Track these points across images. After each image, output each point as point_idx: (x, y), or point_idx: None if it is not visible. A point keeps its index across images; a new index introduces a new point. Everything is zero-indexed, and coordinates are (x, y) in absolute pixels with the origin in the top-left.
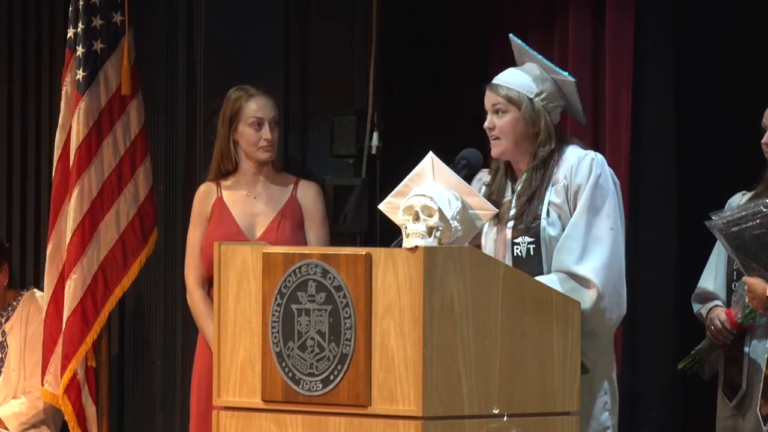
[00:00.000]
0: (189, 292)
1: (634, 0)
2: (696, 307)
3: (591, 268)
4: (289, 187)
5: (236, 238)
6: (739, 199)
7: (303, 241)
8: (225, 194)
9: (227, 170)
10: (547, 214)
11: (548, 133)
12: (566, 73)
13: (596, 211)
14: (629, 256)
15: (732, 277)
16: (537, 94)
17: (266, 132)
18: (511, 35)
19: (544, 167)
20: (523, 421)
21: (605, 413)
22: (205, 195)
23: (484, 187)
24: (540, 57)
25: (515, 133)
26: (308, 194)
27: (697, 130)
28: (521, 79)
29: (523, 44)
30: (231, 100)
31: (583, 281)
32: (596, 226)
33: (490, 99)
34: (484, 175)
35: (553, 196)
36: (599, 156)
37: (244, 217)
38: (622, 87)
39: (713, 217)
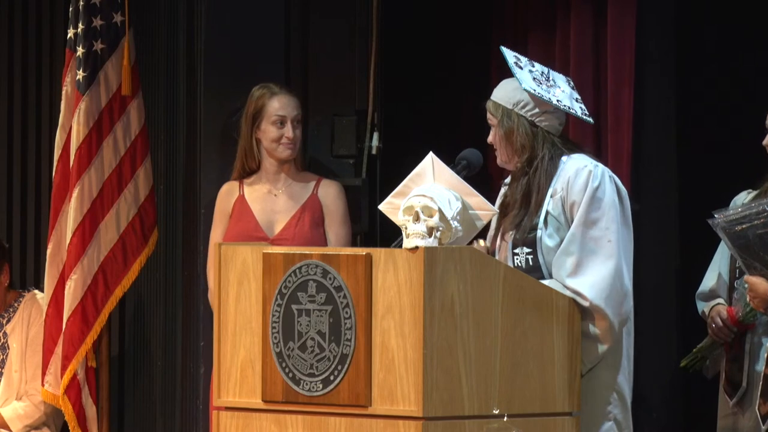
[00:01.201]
0: (210, 291)
1: (636, 1)
2: (700, 305)
3: (585, 282)
4: (310, 185)
5: (254, 234)
6: (744, 198)
7: (321, 239)
8: (246, 192)
9: (251, 169)
10: (545, 224)
11: (522, 144)
12: (532, 89)
13: (592, 225)
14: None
15: (735, 275)
16: (515, 104)
17: (288, 130)
18: (501, 48)
19: (525, 176)
20: (523, 422)
21: (607, 423)
22: (226, 194)
23: (505, 188)
24: (516, 72)
25: (502, 145)
26: (329, 192)
27: (698, 130)
28: (503, 90)
29: (507, 58)
30: (254, 98)
31: (575, 294)
32: (592, 239)
33: (487, 115)
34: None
35: (551, 207)
36: (599, 168)
37: (264, 214)
38: (623, 88)
39: (716, 216)
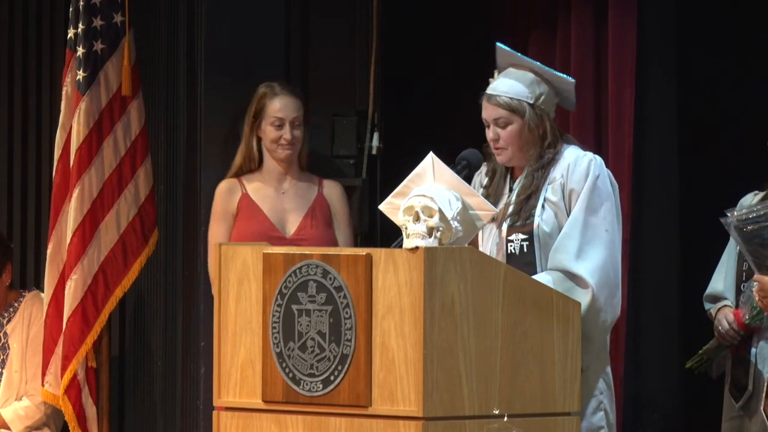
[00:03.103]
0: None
1: (636, 1)
2: (707, 306)
3: (586, 268)
4: (314, 185)
5: (270, 234)
6: (750, 199)
7: (334, 239)
8: (250, 190)
9: (250, 168)
10: (542, 210)
11: (554, 135)
12: (564, 75)
13: (593, 212)
14: (633, 256)
15: (741, 278)
16: (536, 98)
17: (286, 132)
18: (498, 44)
19: (546, 167)
20: (523, 422)
21: (599, 413)
22: (228, 191)
23: (481, 190)
24: (535, 62)
25: (521, 141)
26: (335, 193)
27: (700, 129)
28: (518, 86)
29: (515, 52)
30: (257, 97)
31: (578, 281)
32: (593, 227)
33: (490, 112)
34: (481, 178)
35: (549, 193)
36: (598, 158)
37: (275, 213)
38: (625, 87)
39: (728, 214)
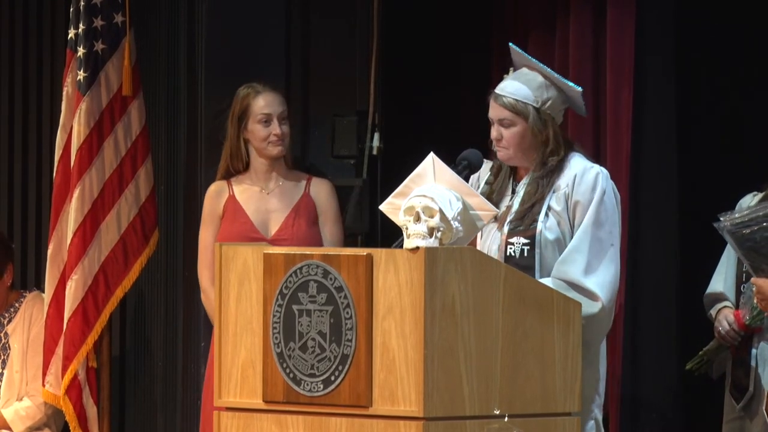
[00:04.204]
0: (204, 292)
1: (635, 1)
2: (707, 308)
3: (596, 282)
4: (301, 183)
5: (250, 235)
6: (749, 200)
7: (317, 238)
8: (237, 192)
9: (237, 170)
10: (546, 218)
11: (557, 142)
12: (572, 84)
13: (601, 226)
14: (632, 257)
15: (741, 279)
16: (543, 103)
17: (275, 127)
18: (511, 45)
19: (550, 175)
20: (524, 422)
21: (590, 422)
22: (216, 194)
23: (485, 185)
24: (545, 68)
25: (524, 143)
26: (321, 191)
27: (698, 130)
28: (526, 89)
29: (526, 54)
30: (239, 99)
31: (588, 293)
32: (601, 241)
33: (496, 111)
34: (484, 173)
35: (553, 202)
36: (605, 171)
37: (258, 214)
38: (623, 88)
39: (722, 219)
